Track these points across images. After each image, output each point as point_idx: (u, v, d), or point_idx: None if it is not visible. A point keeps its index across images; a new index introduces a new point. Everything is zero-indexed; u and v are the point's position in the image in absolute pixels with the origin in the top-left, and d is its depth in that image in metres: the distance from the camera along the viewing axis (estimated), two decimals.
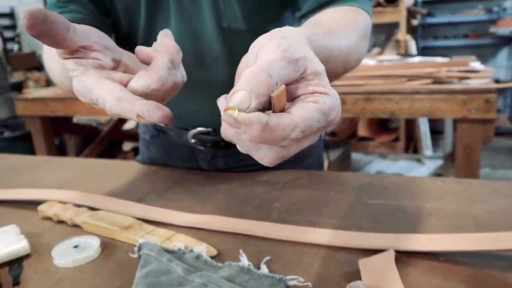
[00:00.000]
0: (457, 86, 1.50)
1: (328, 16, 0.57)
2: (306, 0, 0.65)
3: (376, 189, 0.67)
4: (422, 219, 0.56)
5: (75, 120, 2.92)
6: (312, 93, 0.32)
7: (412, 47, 3.27)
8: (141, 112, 0.37)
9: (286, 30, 0.36)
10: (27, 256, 0.54)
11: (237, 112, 0.29)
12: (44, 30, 0.36)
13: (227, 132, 0.33)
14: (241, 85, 0.30)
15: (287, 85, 0.32)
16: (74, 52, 0.40)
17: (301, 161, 0.83)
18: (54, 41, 0.37)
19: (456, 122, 1.60)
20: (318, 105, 0.31)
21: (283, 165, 0.49)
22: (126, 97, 0.38)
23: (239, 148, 0.34)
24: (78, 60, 0.40)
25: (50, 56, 0.60)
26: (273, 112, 0.31)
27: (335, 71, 0.56)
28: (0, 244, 0.54)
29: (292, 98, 0.33)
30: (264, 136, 0.29)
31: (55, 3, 0.66)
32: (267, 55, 0.32)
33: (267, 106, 0.31)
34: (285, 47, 0.32)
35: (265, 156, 0.33)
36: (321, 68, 0.33)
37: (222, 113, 0.30)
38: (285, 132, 0.30)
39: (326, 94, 0.32)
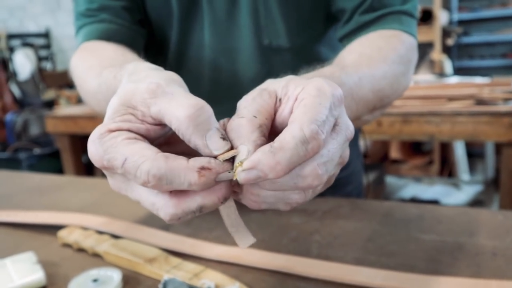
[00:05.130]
0: (503, 107, 1.41)
1: (362, 50, 0.54)
2: (347, 19, 0.60)
3: (427, 222, 0.60)
4: (486, 260, 0.49)
5: None
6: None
7: (448, 67, 3.17)
8: None
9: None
10: None
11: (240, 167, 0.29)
12: None
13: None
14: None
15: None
16: None
17: (341, 188, 0.76)
18: None
19: (499, 145, 1.50)
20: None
21: (323, 193, 0.44)
22: None
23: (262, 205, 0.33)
24: None
25: (85, 68, 0.55)
26: None
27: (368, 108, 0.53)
28: (15, 275, 0.50)
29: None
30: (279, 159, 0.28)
31: (84, 12, 0.62)
32: (296, 124, 0.29)
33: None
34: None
35: (299, 200, 0.31)
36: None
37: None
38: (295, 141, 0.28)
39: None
